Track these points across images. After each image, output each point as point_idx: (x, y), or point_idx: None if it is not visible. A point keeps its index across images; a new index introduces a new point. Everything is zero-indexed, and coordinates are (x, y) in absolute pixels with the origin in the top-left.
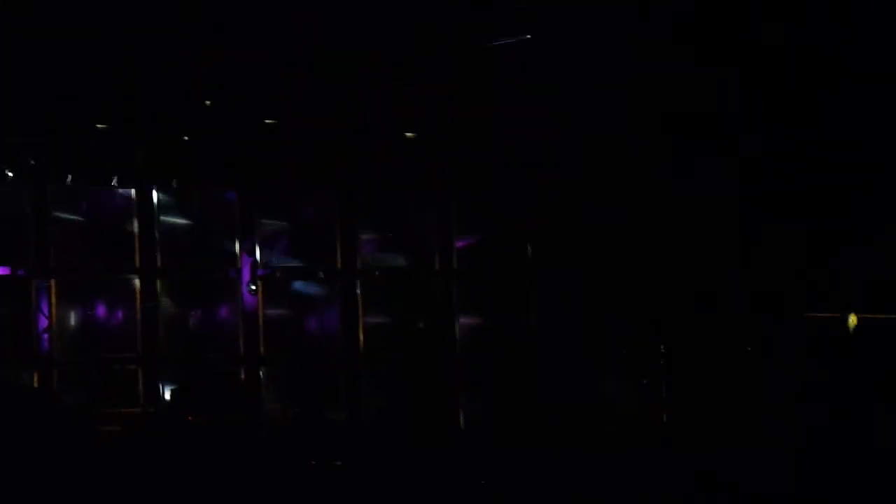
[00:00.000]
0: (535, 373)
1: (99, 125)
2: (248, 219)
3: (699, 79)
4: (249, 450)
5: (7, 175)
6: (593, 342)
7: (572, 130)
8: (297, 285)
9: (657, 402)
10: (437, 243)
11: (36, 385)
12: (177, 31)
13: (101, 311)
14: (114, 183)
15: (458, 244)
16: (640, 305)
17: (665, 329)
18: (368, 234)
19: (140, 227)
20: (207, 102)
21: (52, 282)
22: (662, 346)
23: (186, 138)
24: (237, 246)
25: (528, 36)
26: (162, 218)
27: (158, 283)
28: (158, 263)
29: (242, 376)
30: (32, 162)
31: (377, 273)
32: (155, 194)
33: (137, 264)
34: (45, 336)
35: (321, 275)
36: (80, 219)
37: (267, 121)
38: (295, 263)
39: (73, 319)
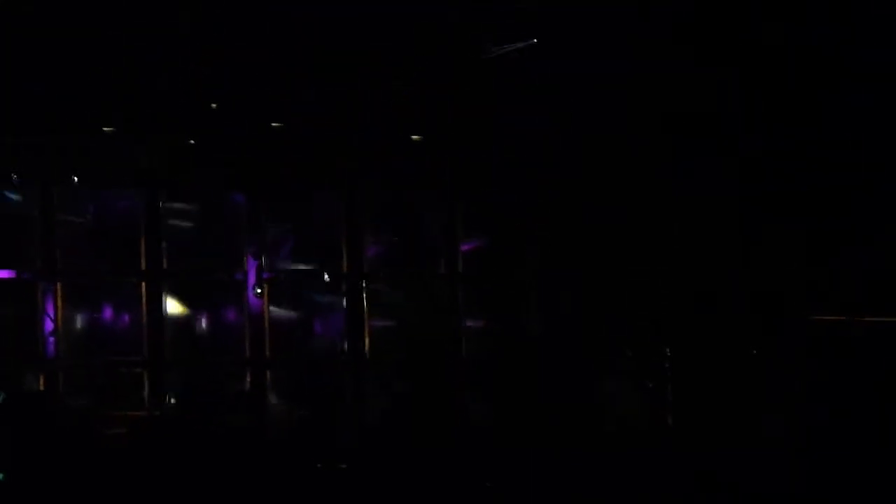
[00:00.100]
0: (539, 374)
1: (105, 128)
2: (254, 222)
3: (699, 79)
4: (255, 452)
5: (13, 178)
6: (595, 343)
7: (572, 130)
8: (303, 288)
9: (661, 404)
10: (443, 245)
11: (39, 387)
12: (177, 31)
13: (106, 313)
14: (119, 186)
15: (464, 247)
16: (640, 306)
17: (666, 330)
18: (374, 237)
19: (146, 229)
20: (213, 105)
21: (58, 285)
22: (668, 349)
23: (192, 141)
24: (243, 249)
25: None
26: (167, 221)
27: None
28: (164, 266)
29: (248, 379)
30: (38, 164)
31: (382, 276)
32: (160, 197)
33: (143, 267)
34: (51, 339)
35: (327, 277)
36: (85, 222)
37: (269, 122)
38: (301, 266)
39: (78, 322)
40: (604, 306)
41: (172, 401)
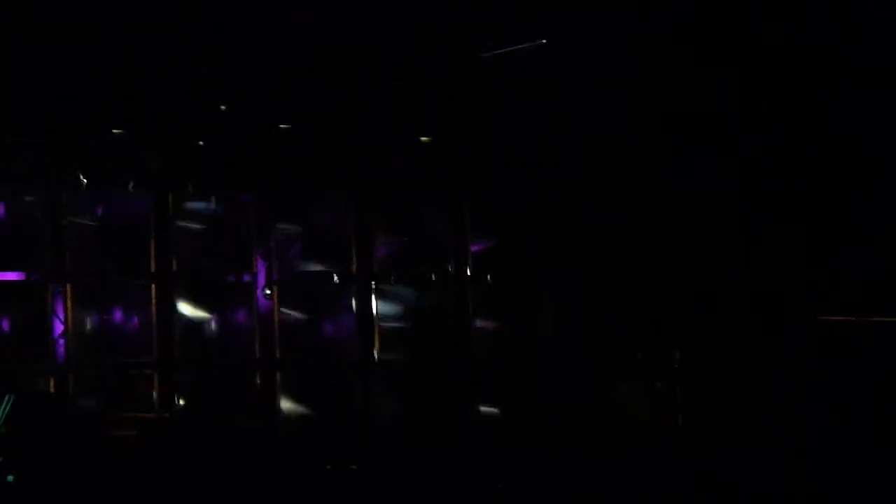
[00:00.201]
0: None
1: (108, 129)
2: (263, 223)
3: (699, 79)
4: (265, 454)
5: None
6: (597, 344)
7: (572, 130)
8: (313, 289)
9: (670, 405)
10: (451, 246)
11: (49, 389)
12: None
13: (116, 315)
14: (129, 187)
15: (473, 248)
16: (641, 306)
17: (667, 330)
18: (383, 238)
19: (155, 231)
20: (214, 106)
21: (68, 286)
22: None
23: (201, 143)
24: (252, 250)
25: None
26: (177, 222)
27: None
28: (174, 268)
29: (258, 380)
30: (44, 165)
31: (392, 277)
32: (170, 198)
33: (152, 269)
34: (61, 341)
35: (336, 279)
36: (95, 223)
37: (270, 123)
38: (310, 267)
39: (88, 324)
40: (604, 306)
41: (182, 402)
